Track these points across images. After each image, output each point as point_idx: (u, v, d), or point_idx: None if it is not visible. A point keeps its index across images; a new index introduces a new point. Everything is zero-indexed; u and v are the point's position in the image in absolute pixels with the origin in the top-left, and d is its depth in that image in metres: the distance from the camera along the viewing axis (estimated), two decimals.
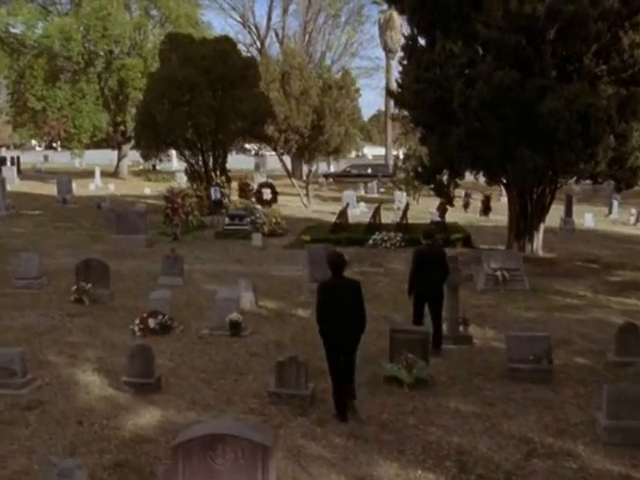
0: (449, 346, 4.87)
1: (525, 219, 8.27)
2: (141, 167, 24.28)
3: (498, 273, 6.57)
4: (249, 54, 21.90)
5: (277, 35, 26.25)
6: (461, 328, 5.08)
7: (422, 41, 7.73)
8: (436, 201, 11.97)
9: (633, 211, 12.87)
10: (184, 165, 14.56)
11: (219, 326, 5.17)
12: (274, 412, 3.77)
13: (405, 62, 7.83)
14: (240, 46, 13.78)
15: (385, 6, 31.24)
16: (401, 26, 30.90)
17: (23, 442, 3.39)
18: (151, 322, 5.15)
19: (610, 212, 13.89)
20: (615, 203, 13.92)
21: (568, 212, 11.79)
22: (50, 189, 17.14)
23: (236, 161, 13.73)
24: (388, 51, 29.07)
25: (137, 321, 5.18)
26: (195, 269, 7.53)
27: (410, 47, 7.71)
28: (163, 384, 4.08)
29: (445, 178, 8.32)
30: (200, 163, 12.83)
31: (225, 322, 5.14)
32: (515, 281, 6.61)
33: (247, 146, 15.55)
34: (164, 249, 9.09)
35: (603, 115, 6.76)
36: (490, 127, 6.61)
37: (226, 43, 12.54)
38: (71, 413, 3.73)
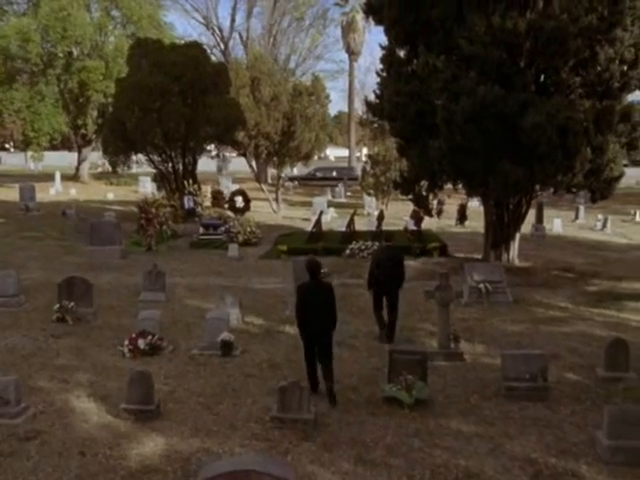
0: (441, 363, 4.94)
1: (502, 228, 8.39)
2: (100, 170, 23.97)
3: (481, 286, 6.66)
4: (213, 55, 21.84)
5: (241, 37, 26.19)
6: (452, 344, 5.15)
7: (401, 52, 7.79)
8: (406, 206, 12.05)
9: (600, 217, 13.13)
10: (147, 169, 14.40)
11: (209, 346, 5.16)
12: (278, 437, 3.78)
13: (384, 74, 7.88)
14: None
15: (348, 8, 31.57)
16: (364, 28, 31.24)
17: (27, 476, 3.33)
18: (141, 343, 5.11)
19: (577, 217, 14.16)
20: (581, 208, 14.19)
21: (539, 219, 11.98)
22: (7, 194, 16.81)
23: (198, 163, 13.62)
24: (351, 53, 29.18)
25: (126, 342, 5.13)
26: (175, 282, 7.46)
27: (389, 59, 7.76)
28: (162, 410, 4.06)
29: (424, 188, 8.40)
30: (170, 169, 12.73)
31: (216, 342, 5.13)
32: (498, 293, 6.71)
33: (208, 147, 15.42)
34: (140, 260, 9.08)
35: (580, 128, 6.91)
36: (472, 141, 6.70)
37: (196, 49, 12.45)
38: (72, 443, 3.69)
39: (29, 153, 24.69)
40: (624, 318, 6.35)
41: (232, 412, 4.15)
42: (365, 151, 28.27)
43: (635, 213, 14.39)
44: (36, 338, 5.55)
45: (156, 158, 12.76)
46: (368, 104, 9.04)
